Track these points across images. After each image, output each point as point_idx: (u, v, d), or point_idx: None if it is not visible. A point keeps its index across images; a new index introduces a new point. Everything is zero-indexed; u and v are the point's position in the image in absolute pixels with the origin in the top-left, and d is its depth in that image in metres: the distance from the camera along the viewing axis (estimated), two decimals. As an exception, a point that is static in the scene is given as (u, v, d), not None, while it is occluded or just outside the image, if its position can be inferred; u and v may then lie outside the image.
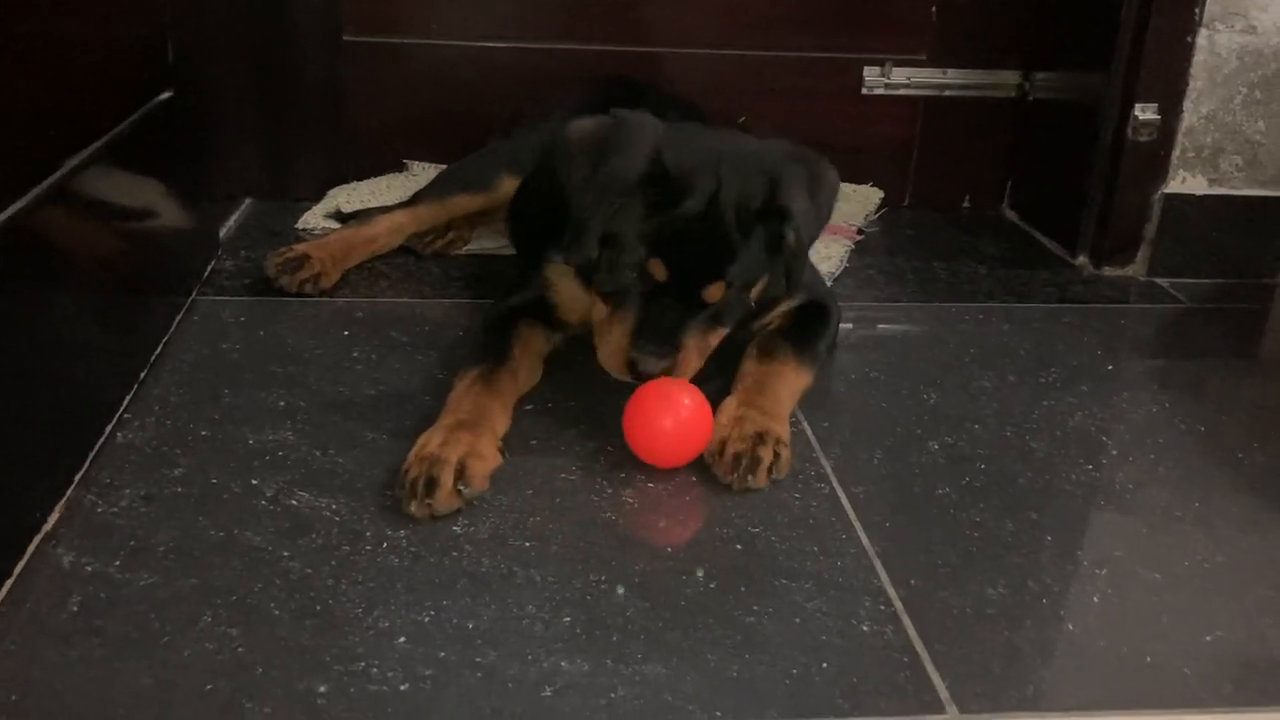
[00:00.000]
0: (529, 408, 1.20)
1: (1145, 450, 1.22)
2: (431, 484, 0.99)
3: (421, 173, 1.86)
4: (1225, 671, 0.88)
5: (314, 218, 1.76)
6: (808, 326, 1.28)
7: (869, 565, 0.98)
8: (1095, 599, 0.96)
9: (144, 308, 1.30)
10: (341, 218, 1.72)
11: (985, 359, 1.42)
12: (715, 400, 1.13)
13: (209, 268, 1.55)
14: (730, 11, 1.90)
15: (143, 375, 1.23)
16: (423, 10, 1.85)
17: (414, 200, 1.64)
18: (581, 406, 1.22)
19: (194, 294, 1.46)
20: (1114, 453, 1.21)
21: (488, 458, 1.04)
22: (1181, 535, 1.06)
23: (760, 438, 1.09)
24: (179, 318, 1.38)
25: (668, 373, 1.12)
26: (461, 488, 1.00)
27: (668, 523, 1.05)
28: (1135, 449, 1.22)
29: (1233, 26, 1.64)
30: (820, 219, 1.19)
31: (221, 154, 1.78)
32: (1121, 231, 1.74)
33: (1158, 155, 1.69)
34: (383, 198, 1.76)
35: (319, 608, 0.89)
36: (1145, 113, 1.67)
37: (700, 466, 1.10)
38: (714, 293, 1.13)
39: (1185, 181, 1.72)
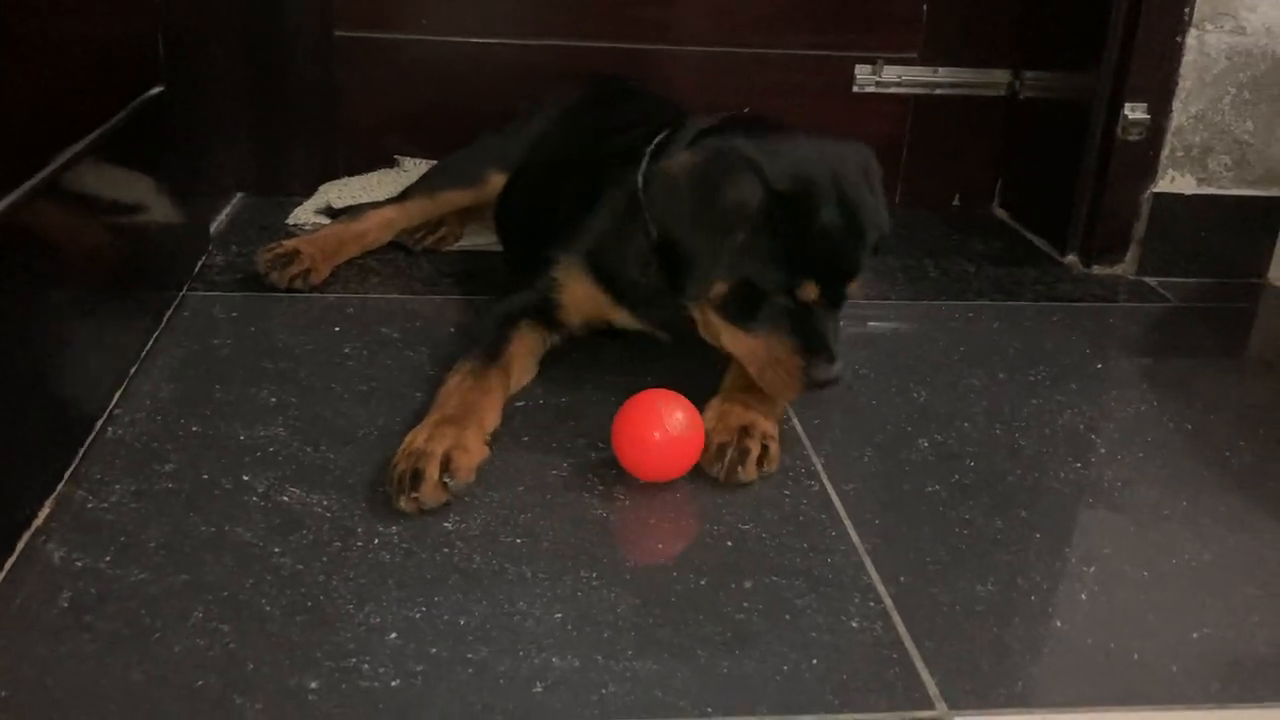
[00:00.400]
0: (520, 404, 1.21)
1: (1133, 448, 1.22)
2: (417, 477, 1.00)
3: (413, 168, 1.85)
4: (1212, 669, 0.89)
5: (304, 213, 1.76)
6: None
7: (859, 562, 0.99)
8: (1083, 596, 0.97)
9: (134, 303, 1.29)
10: (332, 213, 1.72)
11: (975, 357, 1.42)
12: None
13: (200, 263, 1.55)
14: (722, 9, 1.90)
15: (133, 371, 1.22)
16: (414, 6, 1.85)
17: (404, 196, 1.64)
18: (573, 403, 1.22)
19: (185, 289, 1.46)
20: (1102, 451, 1.22)
21: (473, 451, 1.04)
22: (1169, 533, 1.07)
23: (746, 430, 1.10)
24: (169, 313, 1.37)
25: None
26: (447, 480, 1.00)
27: (659, 519, 1.05)
28: (1124, 447, 1.22)
29: (1222, 27, 1.65)
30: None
31: (213, 149, 1.77)
32: (1110, 230, 1.75)
33: (1147, 154, 1.70)
34: (374, 193, 1.76)
35: (310, 604, 0.89)
36: (1135, 112, 1.67)
37: (691, 464, 1.11)
38: (855, 290, 1.13)
39: (1174, 181, 1.73)
